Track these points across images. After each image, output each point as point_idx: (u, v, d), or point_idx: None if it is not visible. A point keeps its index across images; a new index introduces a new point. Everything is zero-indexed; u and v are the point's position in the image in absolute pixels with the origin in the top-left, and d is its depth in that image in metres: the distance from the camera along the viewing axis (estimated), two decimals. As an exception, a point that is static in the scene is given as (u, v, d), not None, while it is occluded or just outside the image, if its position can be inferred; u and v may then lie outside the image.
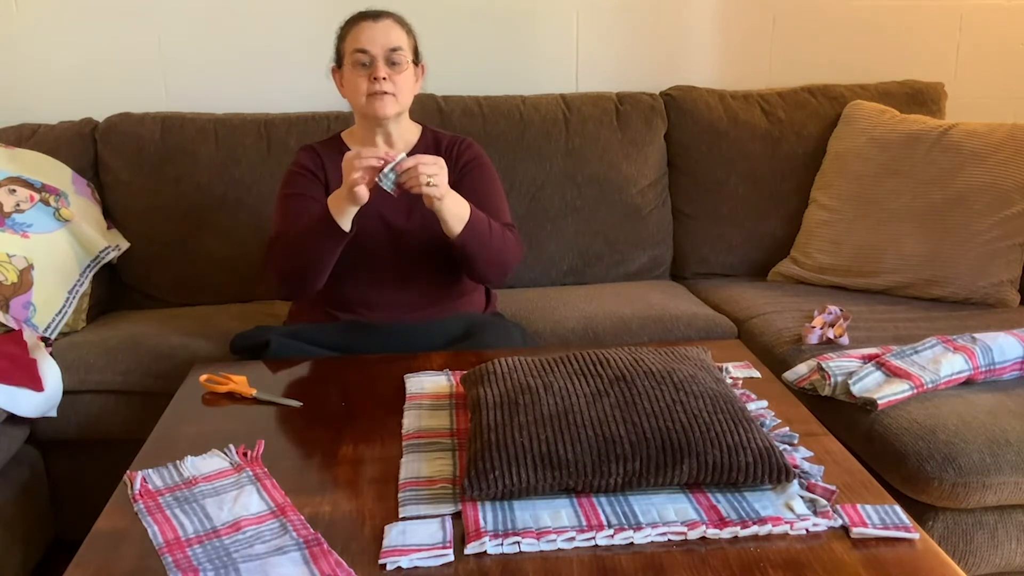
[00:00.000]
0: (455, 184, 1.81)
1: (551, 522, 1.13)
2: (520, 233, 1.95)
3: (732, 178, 2.52)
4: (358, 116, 1.87)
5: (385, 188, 1.63)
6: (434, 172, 1.62)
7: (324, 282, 1.79)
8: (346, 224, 1.69)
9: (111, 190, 2.37)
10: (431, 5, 2.56)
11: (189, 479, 1.28)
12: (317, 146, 1.93)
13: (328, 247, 1.72)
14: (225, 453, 1.35)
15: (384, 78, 1.76)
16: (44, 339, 1.95)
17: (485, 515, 1.15)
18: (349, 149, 1.89)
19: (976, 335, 1.78)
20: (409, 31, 1.83)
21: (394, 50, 1.77)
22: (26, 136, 2.35)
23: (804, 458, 1.29)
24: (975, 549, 1.60)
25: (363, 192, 1.63)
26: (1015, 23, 2.79)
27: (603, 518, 1.14)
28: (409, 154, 1.88)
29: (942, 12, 2.76)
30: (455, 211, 1.71)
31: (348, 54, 1.78)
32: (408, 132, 1.91)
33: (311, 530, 1.13)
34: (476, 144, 1.96)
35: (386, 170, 1.62)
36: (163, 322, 2.16)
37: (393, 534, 1.12)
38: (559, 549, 1.09)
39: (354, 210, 1.69)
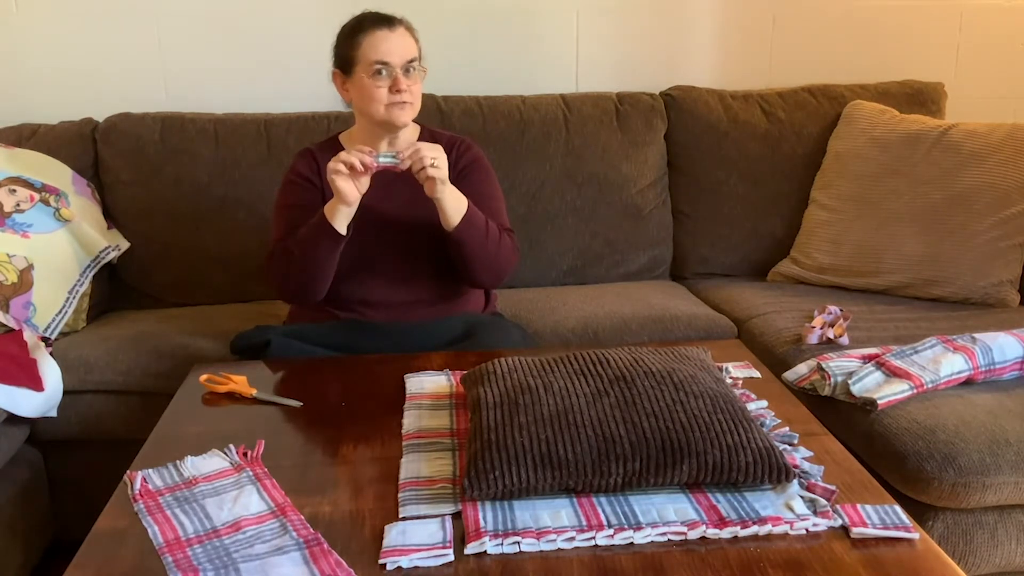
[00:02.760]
0: (455, 185, 1.81)
1: (551, 522, 1.13)
2: (520, 233, 1.95)
3: (732, 178, 2.52)
4: (365, 121, 1.85)
5: (384, 162, 1.66)
6: (436, 155, 1.66)
7: (326, 290, 1.80)
8: (341, 226, 1.71)
9: (111, 190, 2.37)
10: (431, 5, 2.56)
11: (189, 479, 1.28)
12: (314, 149, 1.92)
13: (325, 250, 1.73)
14: (225, 453, 1.35)
15: (405, 89, 1.76)
16: (44, 339, 1.95)
17: (485, 515, 1.15)
18: None
19: (976, 335, 1.78)
20: (416, 37, 1.82)
21: (411, 60, 1.77)
22: (26, 136, 2.35)
23: (804, 458, 1.29)
24: (975, 549, 1.60)
25: (351, 192, 1.66)
26: (1015, 23, 2.79)
27: (603, 518, 1.14)
28: None
29: (942, 12, 2.76)
30: (454, 203, 1.73)
31: (364, 63, 1.76)
32: (408, 133, 1.91)
33: (311, 530, 1.13)
34: (475, 145, 1.96)
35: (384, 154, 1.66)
36: (163, 322, 2.16)
37: (393, 534, 1.12)
38: (559, 549, 1.10)
39: (347, 211, 1.70)
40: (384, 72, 1.75)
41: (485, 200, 1.87)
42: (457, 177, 1.87)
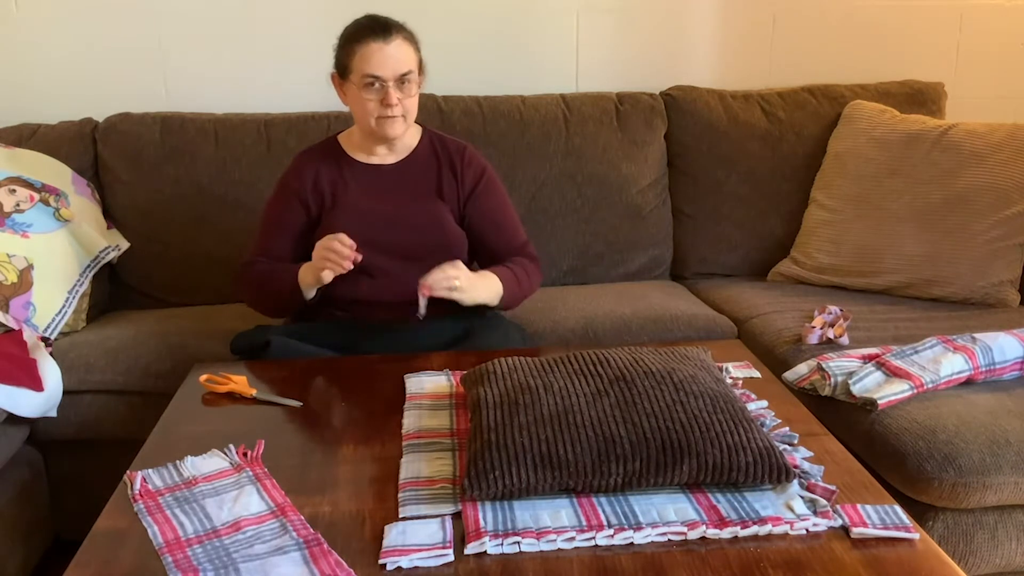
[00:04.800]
0: (466, 203, 1.88)
1: (551, 522, 1.13)
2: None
3: (732, 178, 2.52)
4: (361, 127, 1.86)
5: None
6: (455, 275, 1.68)
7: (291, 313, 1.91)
8: (309, 294, 1.80)
9: (111, 190, 2.37)
10: (431, 5, 2.56)
11: (189, 479, 1.28)
12: (314, 151, 1.92)
13: (288, 306, 1.86)
14: (225, 453, 1.35)
15: (395, 101, 1.76)
16: (44, 339, 1.95)
17: (485, 515, 1.15)
18: (346, 154, 1.90)
19: (976, 335, 1.78)
20: (416, 45, 1.81)
21: (406, 74, 1.76)
22: (26, 136, 2.35)
23: (804, 458, 1.29)
24: (975, 549, 1.60)
25: (328, 277, 1.71)
26: (1015, 23, 2.79)
27: (603, 518, 1.14)
28: (408, 157, 1.90)
29: (942, 12, 2.76)
30: (489, 294, 1.79)
31: (357, 74, 1.76)
32: (409, 136, 1.91)
33: (311, 530, 1.13)
34: (478, 153, 1.96)
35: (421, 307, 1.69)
36: (163, 322, 2.16)
37: (393, 534, 1.12)
38: (559, 549, 1.10)
39: (317, 285, 1.76)
40: (376, 85, 1.75)
41: (500, 218, 1.93)
42: (467, 195, 1.90)
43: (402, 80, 1.76)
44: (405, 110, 1.79)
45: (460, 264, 1.71)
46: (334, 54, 1.83)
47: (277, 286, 1.82)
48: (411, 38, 1.80)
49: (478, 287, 1.75)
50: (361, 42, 1.75)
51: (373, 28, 1.76)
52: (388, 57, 1.74)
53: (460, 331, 1.85)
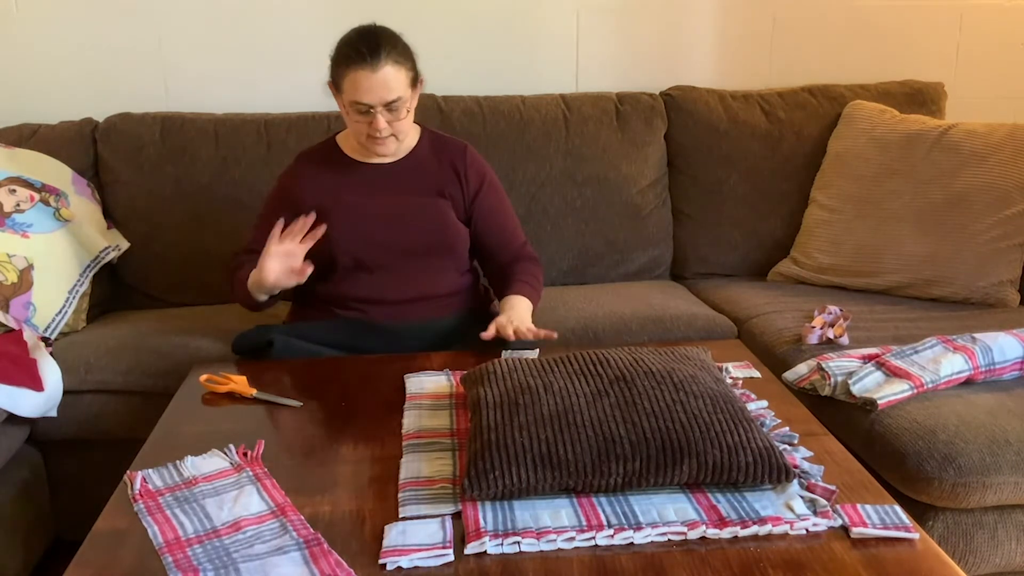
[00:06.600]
0: (472, 203, 1.89)
1: (551, 522, 1.13)
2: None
3: (732, 178, 2.52)
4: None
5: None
6: (524, 322, 1.75)
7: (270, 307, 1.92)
8: (259, 297, 1.82)
9: (111, 190, 2.37)
10: (432, 5, 2.56)
11: (189, 479, 1.28)
12: (312, 153, 1.92)
13: (250, 306, 1.88)
14: (225, 453, 1.35)
15: (383, 127, 1.75)
16: (44, 339, 1.95)
17: (485, 515, 1.15)
18: (345, 155, 1.89)
19: (976, 335, 1.78)
20: (407, 64, 1.76)
21: (394, 100, 1.73)
22: (26, 136, 2.35)
23: (804, 458, 1.29)
24: (975, 549, 1.60)
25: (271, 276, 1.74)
26: (1015, 23, 2.79)
27: (603, 518, 1.14)
28: (407, 156, 1.90)
29: (942, 12, 2.76)
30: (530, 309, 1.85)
31: (346, 97, 1.74)
32: (408, 138, 1.90)
33: (311, 530, 1.13)
34: (478, 154, 1.96)
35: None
36: (163, 322, 2.16)
37: (393, 534, 1.12)
38: (559, 549, 1.10)
39: (267, 290, 1.79)
40: (364, 111, 1.74)
41: (501, 219, 1.94)
42: (473, 199, 1.91)
43: (390, 106, 1.74)
44: (395, 131, 1.78)
45: (513, 303, 1.75)
46: (329, 63, 1.82)
47: (239, 294, 1.85)
48: (401, 58, 1.74)
49: (526, 310, 1.83)
50: (350, 68, 1.71)
51: (361, 52, 1.70)
52: (375, 85, 1.70)
53: (460, 331, 1.85)
